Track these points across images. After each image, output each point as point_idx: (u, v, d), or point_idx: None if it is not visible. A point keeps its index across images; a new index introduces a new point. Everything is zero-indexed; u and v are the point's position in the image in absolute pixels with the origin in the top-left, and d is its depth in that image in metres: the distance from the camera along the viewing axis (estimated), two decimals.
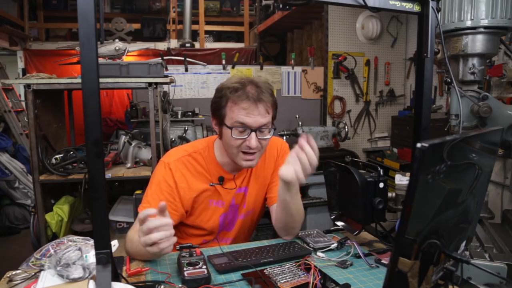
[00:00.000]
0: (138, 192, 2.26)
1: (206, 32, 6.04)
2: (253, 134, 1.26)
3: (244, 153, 1.29)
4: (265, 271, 1.13)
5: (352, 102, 3.92)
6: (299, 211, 1.33)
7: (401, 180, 1.43)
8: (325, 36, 3.73)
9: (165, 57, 2.75)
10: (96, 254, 0.93)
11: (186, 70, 3.51)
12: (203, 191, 1.37)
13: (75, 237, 1.13)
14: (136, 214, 2.20)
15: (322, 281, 1.08)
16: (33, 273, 1.02)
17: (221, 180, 1.39)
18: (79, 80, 2.01)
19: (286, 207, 1.29)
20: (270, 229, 2.94)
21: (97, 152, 0.90)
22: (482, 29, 1.61)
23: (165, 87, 2.80)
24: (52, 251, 1.04)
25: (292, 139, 3.33)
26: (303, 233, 1.42)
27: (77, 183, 2.45)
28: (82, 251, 0.99)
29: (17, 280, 1.03)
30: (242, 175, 1.43)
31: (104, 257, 0.93)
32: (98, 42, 1.68)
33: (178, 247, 1.23)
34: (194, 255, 1.16)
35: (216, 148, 1.40)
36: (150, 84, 2.25)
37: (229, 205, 1.43)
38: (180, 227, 1.43)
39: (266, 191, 1.49)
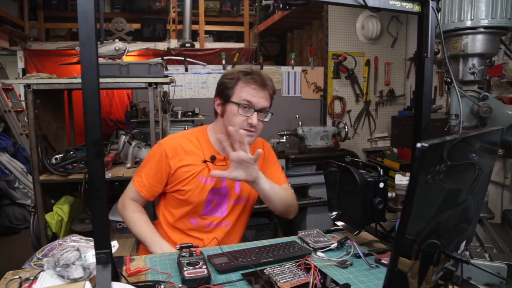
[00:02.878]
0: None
1: (206, 32, 6.05)
2: (255, 113, 1.43)
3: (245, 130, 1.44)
4: (265, 271, 1.13)
5: (352, 102, 3.92)
6: (278, 193, 1.48)
7: (401, 180, 1.42)
8: (325, 36, 3.73)
9: (165, 57, 2.75)
10: (96, 254, 0.93)
11: (186, 70, 3.51)
12: (192, 164, 1.48)
13: (77, 237, 1.13)
14: None
15: (322, 281, 1.08)
16: (32, 277, 1.02)
17: (213, 158, 1.49)
18: (79, 80, 2.01)
19: (265, 197, 1.46)
20: (270, 229, 2.95)
21: (97, 152, 0.90)
22: (482, 29, 1.61)
23: (165, 87, 2.80)
24: (55, 250, 1.04)
25: (293, 139, 3.33)
26: (303, 233, 1.42)
27: (77, 183, 2.45)
28: (81, 251, 0.99)
29: (17, 281, 1.03)
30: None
31: (104, 257, 0.93)
32: (98, 42, 1.68)
33: (178, 247, 1.23)
34: (194, 255, 1.17)
35: (209, 131, 1.56)
36: (150, 84, 2.25)
37: (219, 185, 1.49)
38: (170, 210, 1.52)
39: None
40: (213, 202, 1.51)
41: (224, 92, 1.47)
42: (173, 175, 1.48)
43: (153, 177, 1.48)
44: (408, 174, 1.45)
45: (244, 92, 1.43)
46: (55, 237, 2.31)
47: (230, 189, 1.52)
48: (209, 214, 1.52)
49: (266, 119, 1.49)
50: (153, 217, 1.64)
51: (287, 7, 1.36)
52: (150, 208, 1.86)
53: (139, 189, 1.49)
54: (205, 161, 1.48)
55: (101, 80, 0.89)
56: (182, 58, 3.47)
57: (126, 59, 2.39)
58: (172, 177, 1.48)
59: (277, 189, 1.49)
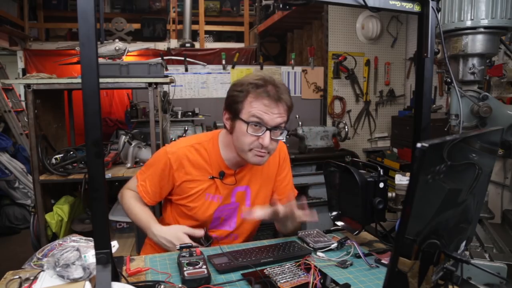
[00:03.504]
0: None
1: (206, 32, 6.05)
2: (267, 132, 1.26)
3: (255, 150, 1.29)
4: (265, 271, 1.13)
5: (352, 102, 3.92)
6: (293, 222, 1.40)
7: (401, 180, 1.42)
8: (325, 36, 3.73)
9: (165, 57, 2.76)
10: (96, 254, 0.93)
11: (186, 70, 3.51)
12: (200, 180, 1.38)
13: (77, 237, 1.13)
14: None
15: (322, 281, 1.08)
16: (32, 277, 1.02)
17: (222, 175, 1.38)
18: (79, 80, 2.01)
19: (283, 225, 1.42)
20: (270, 229, 2.95)
21: (97, 152, 0.90)
22: (482, 29, 1.61)
23: (165, 87, 2.80)
24: (55, 250, 1.04)
25: (292, 139, 3.33)
26: (303, 233, 1.42)
27: (77, 183, 2.45)
28: (81, 251, 0.99)
29: (17, 281, 1.03)
30: (242, 172, 1.42)
31: (104, 257, 0.93)
32: (98, 42, 1.68)
33: (178, 247, 1.23)
34: (194, 255, 1.17)
35: (220, 142, 1.40)
36: (150, 84, 2.25)
37: (227, 201, 1.42)
38: (176, 217, 1.47)
39: (273, 192, 1.52)
40: (221, 218, 1.43)
41: (232, 106, 1.29)
42: (179, 187, 1.39)
43: (157, 184, 1.40)
44: (408, 174, 1.45)
45: (255, 108, 1.24)
46: (55, 237, 2.31)
47: (240, 203, 1.44)
48: (217, 228, 1.45)
49: (281, 138, 1.31)
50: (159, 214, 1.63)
51: (287, 7, 1.36)
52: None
53: (142, 195, 1.42)
54: (212, 178, 1.37)
55: (101, 80, 0.89)
56: (182, 58, 3.47)
57: (126, 59, 2.39)
58: (178, 189, 1.40)
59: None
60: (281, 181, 1.53)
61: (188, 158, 1.37)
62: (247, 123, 1.24)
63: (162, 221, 1.52)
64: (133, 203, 1.43)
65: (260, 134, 1.25)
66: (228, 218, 1.45)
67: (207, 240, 1.35)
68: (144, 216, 1.40)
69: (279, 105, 1.26)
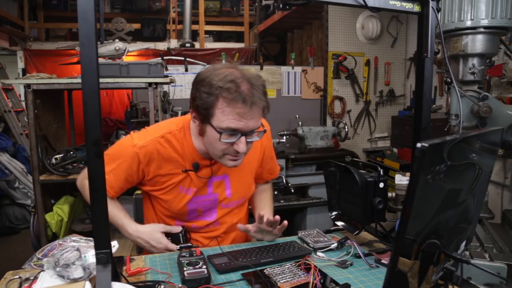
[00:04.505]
0: (138, 192, 2.26)
1: (206, 32, 6.05)
2: (243, 138, 1.16)
3: (229, 155, 1.21)
4: (265, 271, 1.13)
5: (352, 102, 3.91)
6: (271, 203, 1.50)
7: (401, 180, 1.43)
8: (325, 36, 3.73)
9: (165, 57, 2.75)
10: (96, 254, 0.93)
11: (186, 70, 3.51)
12: (171, 173, 1.30)
13: (77, 237, 1.13)
14: (136, 213, 2.20)
15: (322, 281, 1.08)
16: (32, 277, 1.02)
17: (196, 167, 1.29)
18: (79, 80, 2.01)
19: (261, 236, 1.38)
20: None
21: (97, 152, 0.90)
22: (482, 29, 1.61)
23: (165, 87, 2.80)
24: (55, 250, 1.04)
25: (292, 139, 3.33)
26: (303, 233, 1.42)
27: None
28: (81, 251, 0.99)
29: (17, 281, 1.03)
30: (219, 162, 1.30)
31: (104, 257, 0.93)
32: (98, 42, 1.68)
33: (178, 247, 1.23)
34: (194, 255, 1.17)
35: (192, 130, 1.30)
36: (150, 84, 2.25)
37: (203, 192, 1.34)
38: (156, 212, 1.41)
39: (255, 176, 1.48)
40: (198, 210, 1.37)
41: (200, 109, 1.15)
42: (150, 180, 1.31)
43: (122, 180, 1.30)
44: (408, 174, 1.45)
45: (228, 118, 1.12)
46: (55, 237, 2.31)
47: (219, 194, 1.36)
48: (195, 219, 1.39)
49: (257, 138, 1.21)
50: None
51: (287, 7, 1.36)
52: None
53: (107, 190, 1.21)
54: (186, 171, 1.29)
55: (101, 80, 0.89)
56: (182, 58, 3.47)
57: (126, 59, 2.39)
58: (150, 182, 1.32)
59: (272, 206, 1.51)
60: (264, 163, 1.48)
61: (159, 151, 1.27)
62: (220, 132, 1.14)
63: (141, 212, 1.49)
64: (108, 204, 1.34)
65: (234, 140, 1.16)
66: (206, 210, 1.38)
67: (185, 238, 1.31)
68: (117, 213, 1.33)
69: (253, 109, 1.13)
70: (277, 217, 1.28)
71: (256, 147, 1.38)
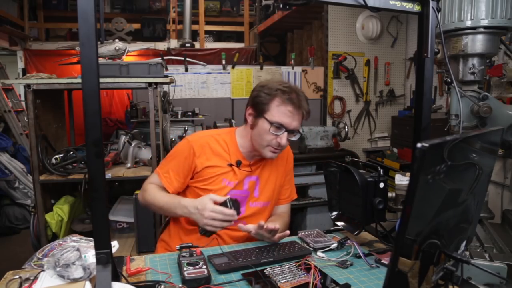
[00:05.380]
0: (138, 192, 2.26)
1: (206, 32, 6.05)
2: (286, 133, 1.40)
3: (271, 146, 1.42)
4: (265, 271, 1.13)
5: (352, 102, 3.92)
6: (284, 227, 1.52)
7: (401, 180, 1.42)
8: (325, 36, 3.73)
9: (165, 57, 2.76)
10: (96, 254, 0.93)
11: (186, 70, 3.51)
12: (218, 166, 1.47)
13: (77, 237, 1.13)
14: (136, 212, 2.20)
15: (322, 281, 1.08)
16: (32, 277, 1.02)
17: (239, 163, 1.49)
18: (79, 80, 2.01)
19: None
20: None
21: (97, 152, 0.90)
22: (482, 29, 1.61)
23: (165, 87, 2.80)
24: (55, 250, 1.04)
25: None
26: (303, 233, 1.42)
27: (77, 183, 2.45)
28: (81, 252, 0.99)
29: (17, 281, 1.03)
30: (256, 164, 1.52)
31: (104, 257, 0.93)
32: (98, 42, 1.68)
33: (178, 247, 1.23)
34: (194, 255, 1.17)
35: (238, 135, 1.54)
36: (150, 84, 2.25)
37: (240, 187, 1.49)
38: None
39: (280, 188, 1.60)
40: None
41: (258, 105, 1.42)
42: (199, 172, 1.47)
43: (180, 174, 1.47)
44: (408, 174, 1.45)
45: (280, 113, 1.38)
46: (55, 237, 2.31)
47: (250, 193, 1.51)
48: None
49: (294, 139, 1.46)
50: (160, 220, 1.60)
51: (287, 7, 1.37)
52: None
53: (167, 186, 1.47)
54: (230, 165, 1.48)
55: (101, 80, 0.89)
56: (182, 58, 3.47)
57: (126, 59, 2.39)
58: (197, 174, 1.48)
59: (283, 226, 1.52)
60: (285, 183, 1.63)
61: (210, 145, 1.49)
62: (271, 123, 1.38)
63: (170, 229, 1.58)
64: (159, 193, 1.46)
65: (279, 134, 1.39)
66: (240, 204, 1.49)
67: (233, 203, 1.29)
68: (172, 197, 1.45)
69: (299, 112, 1.40)
70: (277, 226, 1.33)
71: (281, 163, 1.61)
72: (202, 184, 1.47)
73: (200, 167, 1.46)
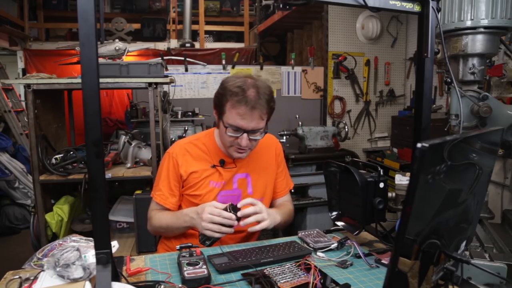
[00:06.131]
0: (138, 192, 2.27)
1: (206, 32, 6.05)
2: (245, 135, 1.36)
3: (235, 147, 1.41)
4: (265, 271, 1.13)
5: (352, 102, 3.91)
6: (285, 217, 1.50)
7: (401, 180, 1.42)
8: (325, 36, 3.73)
9: (165, 57, 2.75)
10: (96, 254, 0.93)
11: (186, 70, 3.51)
12: (202, 169, 1.47)
13: (77, 237, 1.13)
14: (136, 212, 2.20)
15: (322, 281, 1.08)
16: (32, 277, 1.02)
17: (222, 162, 1.48)
18: (79, 80, 2.01)
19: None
20: (270, 229, 2.95)
21: (97, 152, 0.90)
22: (482, 29, 1.61)
23: (165, 87, 2.80)
24: (55, 250, 1.04)
25: (293, 139, 3.33)
26: (303, 233, 1.42)
27: (77, 183, 2.45)
28: (81, 252, 0.99)
29: (17, 281, 1.03)
30: (241, 160, 1.50)
31: (104, 257, 0.93)
32: (98, 42, 1.68)
33: (178, 247, 1.23)
34: (194, 255, 1.17)
35: (216, 135, 1.53)
36: (150, 84, 2.25)
37: (229, 187, 1.48)
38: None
39: (273, 183, 1.60)
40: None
41: (217, 105, 1.40)
42: (186, 180, 1.47)
43: (173, 187, 1.47)
44: (408, 174, 1.45)
45: (232, 116, 1.33)
46: (55, 237, 2.31)
47: (242, 191, 1.51)
48: None
49: (259, 137, 1.40)
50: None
51: (287, 7, 1.36)
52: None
53: (163, 202, 1.47)
54: (214, 166, 1.47)
55: (101, 80, 0.89)
56: (182, 58, 3.47)
57: (126, 59, 2.39)
58: (185, 182, 1.48)
59: (286, 215, 1.51)
60: (278, 175, 1.62)
61: (189, 152, 1.49)
62: (227, 126, 1.36)
63: (166, 238, 1.57)
64: (162, 215, 1.46)
65: (238, 135, 1.36)
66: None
67: (234, 209, 1.30)
68: (174, 213, 1.46)
69: (254, 113, 1.33)
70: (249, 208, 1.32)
71: (270, 156, 1.59)
72: (191, 190, 1.47)
73: (186, 175, 1.46)
